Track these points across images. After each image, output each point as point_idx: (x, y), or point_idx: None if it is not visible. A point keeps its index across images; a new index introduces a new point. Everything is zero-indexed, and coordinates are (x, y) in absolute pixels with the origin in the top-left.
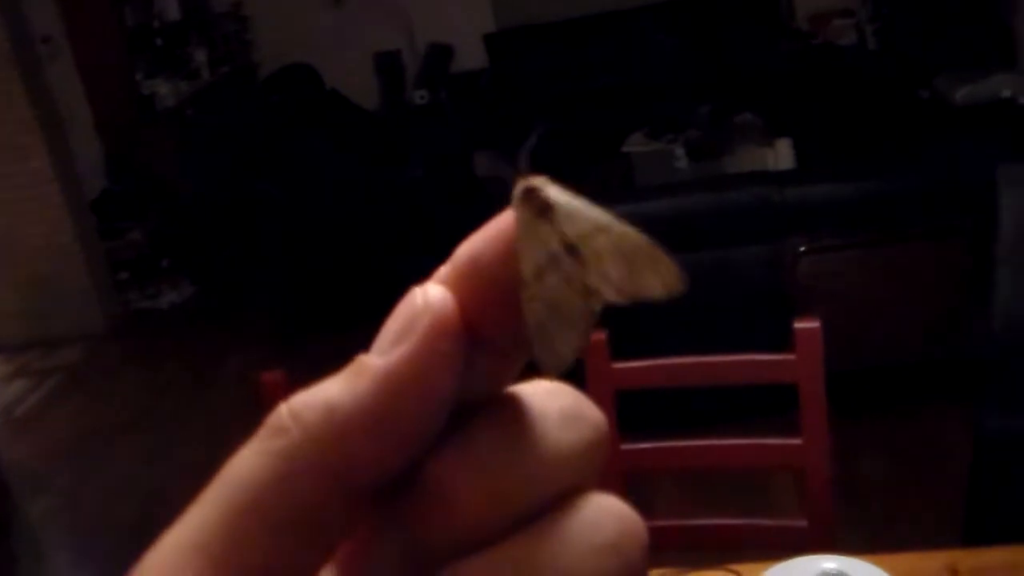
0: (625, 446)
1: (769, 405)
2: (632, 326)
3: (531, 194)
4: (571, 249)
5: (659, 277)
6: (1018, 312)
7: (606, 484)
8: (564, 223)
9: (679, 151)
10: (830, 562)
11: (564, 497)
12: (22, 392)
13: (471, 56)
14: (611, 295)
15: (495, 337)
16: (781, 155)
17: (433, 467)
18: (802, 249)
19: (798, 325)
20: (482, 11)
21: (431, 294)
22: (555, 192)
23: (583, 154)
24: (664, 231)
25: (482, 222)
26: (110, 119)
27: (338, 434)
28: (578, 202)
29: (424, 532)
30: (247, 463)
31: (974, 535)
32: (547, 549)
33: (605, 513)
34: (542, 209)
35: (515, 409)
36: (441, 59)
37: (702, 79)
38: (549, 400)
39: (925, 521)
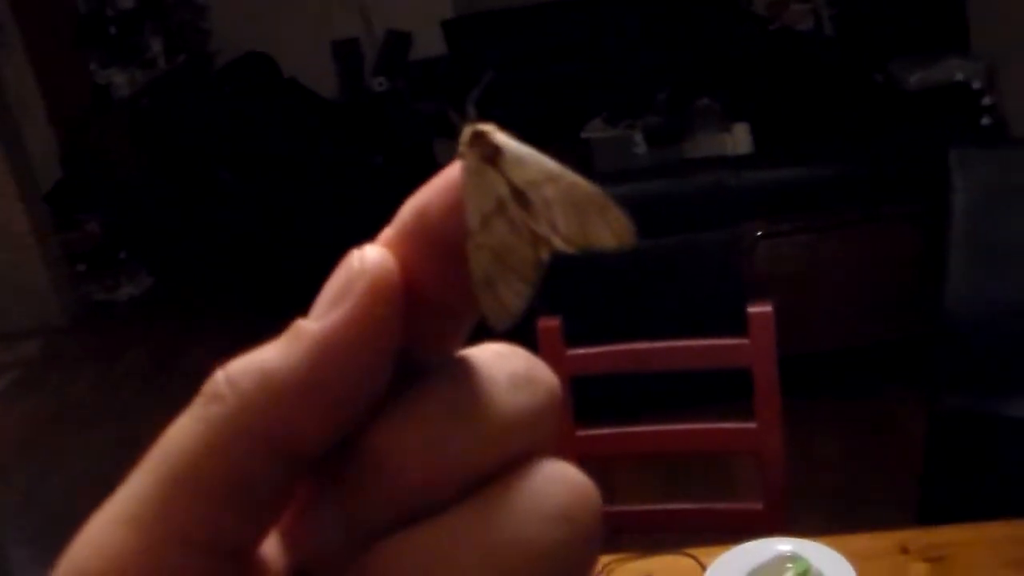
0: (580, 432)
1: (727, 389)
2: (588, 311)
3: (479, 139)
4: (519, 196)
5: (609, 227)
6: (970, 293)
7: None
8: (512, 169)
9: (637, 137)
10: (785, 544)
11: (513, 464)
12: None
13: (429, 43)
14: (559, 244)
15: (442, 296)
16: (739, 140)
17: (373, 434)
18: (759, 233)
19: (751, 310)
20: None
21: (368, 256)
22: (504, 138)
23: (541, 140)
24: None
25: None
26: (64, 109)
27: (273, 401)
28: (527, 149)
29: (365, 502)
30: (182, 431)
31: (928, 514)
32: (494, 518)
33: (556, 480)
34: (490, 154)
35: (462, 372)
36: (399, 46)
37: (661, 64)
38: (499, 363)
39: (880, 501)
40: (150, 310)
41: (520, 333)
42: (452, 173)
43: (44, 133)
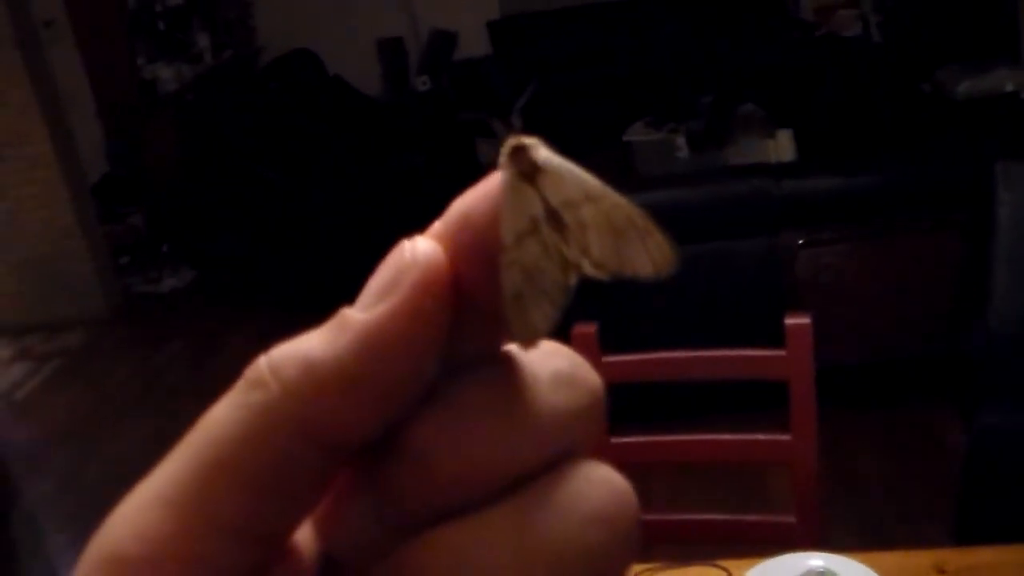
0: (615, 439)
1: (762, 399)
2: (624, 317)
3: (518, 153)
4: (553, 216)
5: (648, 255)
6: (1014, 308)
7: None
8: (549, 188)
9: (680, 141)
10: (817, 559)
11: (553, 464)
12: (22, 376)
13: (474, 43)
14: (590, 269)
15: (486, 297)
16: (782, 146)
17: (414, 427)
18: (800, 242)
19: (789, 321)
20: None
21: (420, 248)
22: (545, 154)
23: (583, 141)
24: (663, 222)
25: None
26: (111, 103)
27: (317, 391)
28: (570, 167)
29: (402, 495)
30: (223, 416)
31: (965, 533)
32: (531, 518)
33: (596, 482)
34: (528, 170)
35: (505, 370)
36: (444, 46)
37: (705, 69)
38: (543, 361)
39: (917, 518)
40: (191, 303)
41: (555, 339)
42: (490, 184)
43: (92, 127)
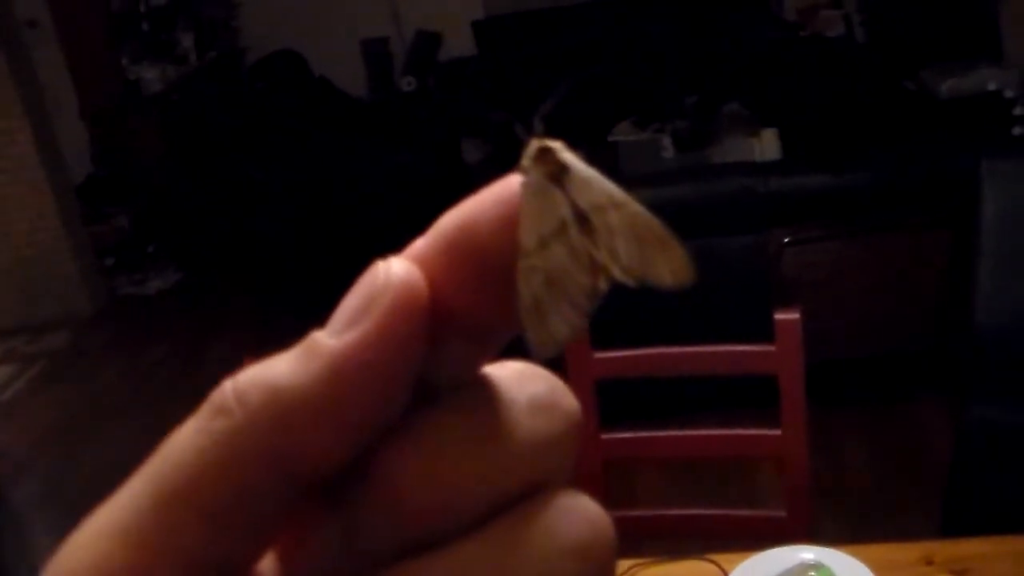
0: (605, 435)
1: (752, 394)
2: (614, 314)
3: (546, 155)
4: (582, 219)
5: (668, 263)
6: (999, 304)
7: (585, 473)
8: (578, 190)
9: (666, 141)
10: (808, 553)
11: (529, 494)
12: (8, 377)
13: (459, 43)
14: (619, 274)
15: (473, 316)
16: (767, 145)
17: (382, 456)
18: (786, 240)
19: (778, 316)
20: None
21: (394, 270)
22: (572, 157)
23: (568, 142)
24: None
25: None
26: (96, 104)
27: (282, 419)
28: (594, 172)
29: (369, 527)
30: (185, 442)
31: (953, 525)
32: (505, 551)
33: (573, 513)
34: (556, 173)
35: (480, 394)
36: (429, 46)
37: (689, 69)
38: (520, 385)
39: (905, 512)
40: (177, 304)
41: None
42: (506, 188)
43: (76, 127)
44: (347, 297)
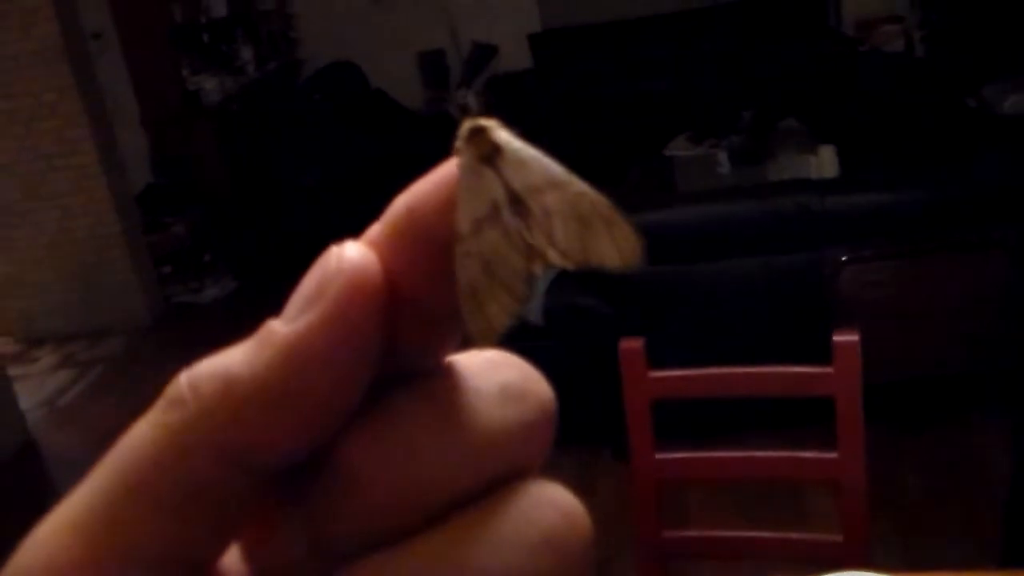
0: (659, 455)
1: (805, 414)
2: (669, 332)
3: (478, 135)
4: (516, 202)
5: (615, 244)
6: None
7: (640, 493)
8: (512, 171)
9: (722, 156)
10: None
11: (498, 485)
12: (66, 382)
13: (515, 56)
14: (555, 257)
15: (429, 301)
16: (825, 162)
17: (344, 447)
18: (844, 259)
19: (837, 338)
20: (527, 11)
21: (346, 254)
22: (506, 136)
23: (624, 156)
24: (705, 237)
25: None
26: (156, 114)
27: (236, 410)
28: (532, 151)
29: (331, 520)
30: (140, 436)
31: (1012, 556)
32: (472, 544)
33: (544, 504)
34: (489, 153)
35: (447, 381)
36: (485, 59)
37: (746, 84)
38: (489, 372)
39: (964, 539)
40: (233, 313)
41: (597, 354)
42: (446, 169)
43: (136, 137)
44: (301, 283)
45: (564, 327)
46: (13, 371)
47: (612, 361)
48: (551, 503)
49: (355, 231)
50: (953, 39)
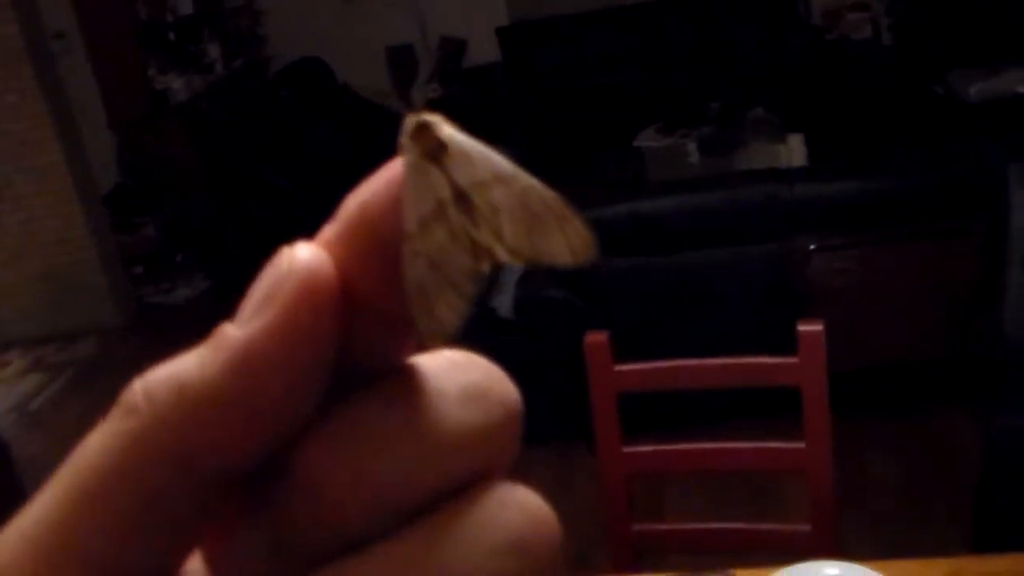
0: (627, 448)
1: (775, 403)
2: (636, 324)
3: (422, 131)
4: (462, 199)
5: (565, 239)
6: None
7: (608, 486)
8: (457, 168)
9: (691, 146)
10: (832, 568)
11: (462, 488)
12: (37, 386)
13: (484, 50)
14: (504, 255)
15: (384, 302)
16: (794, 151)
17: (302, 452)
18: (812, 247)
19: (801, 328)
20: (495, 4)
21: (298, 255)
22: (451, 132)
23: (594, 147)
24: (675, 227)
25: None
26: (123, 113)
27: (189, 416)
28: (478, 146)
29: (293, 526)
30: (94, 444)
31: (982, 540)
32: (436, 549)
33: (509, 506)
34: (433, 150)
35: (406, 383)
36: (454, 53)
37: (715, 74)
38: (451, 374)
39: (933, 525)
40: (205, 313)
41: (568, 348)
42: (395, 167)
43: (103, 137)
44: (254, 285)
45: (535, 320)
46: None
47: (583, 354)
48: (518, 506)
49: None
50: (920, 27)
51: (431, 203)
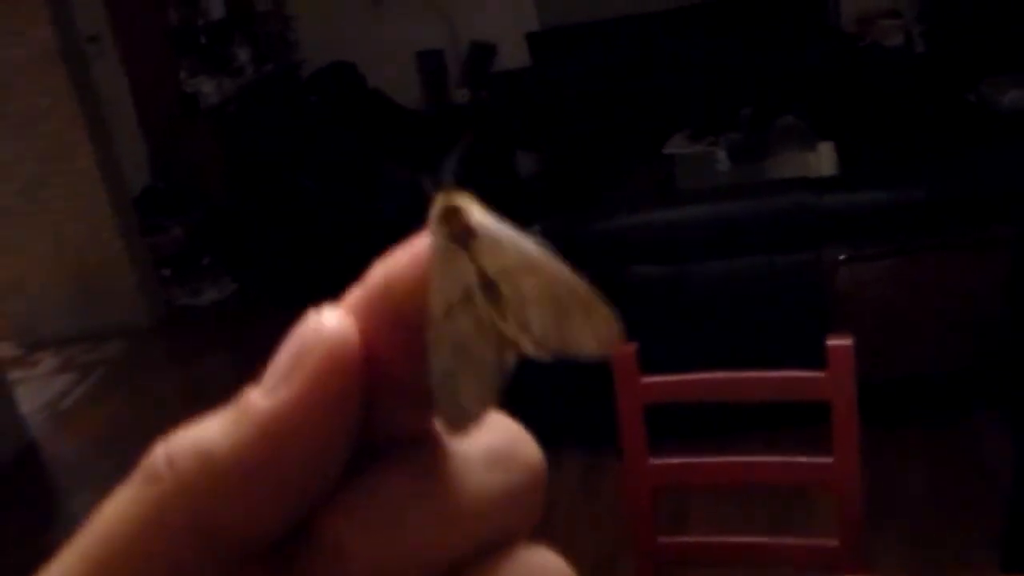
0: (654, 460)
1: (802, 415)
2: (664, 332)
3: (450, 215)
4: (489, 287)
5: (592, 330)
6: None
7: (634, 499)
8: (485, 255)
9: (720, 154)
10: None
11: (487, 553)
12: (67, 386)
13: (514, 55)
14: (530, 348)
15: (408, 376)
16: (824, 159)
17: (325, 520)
18: (842, 257)
19: (831, 342)
20: (526, 10)
21: (325, 323)
22: (480, 216)
23: (624, 153)
24: (704, 236)
25: (521, 221)
26: (154, 117)
27: (213, 485)
28: (508, 231)
29: None
30: (116, 511)
31: (1015, 558)
32: None
33: (535, 572)
34: (462, 235)
35: (430, 449)
36: (484, 58)
37: (745, 80)
38: (476, 437)
39: (963, 541)
40: (233, 315)
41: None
42: (419, 246)
43: (134, 140)
44: (280, 351)
45: None
46: (13, 375)
47: (604, 367)
48: (541, 571)
49: (353, 232)
50: (953, 34)
51: (458, 290)
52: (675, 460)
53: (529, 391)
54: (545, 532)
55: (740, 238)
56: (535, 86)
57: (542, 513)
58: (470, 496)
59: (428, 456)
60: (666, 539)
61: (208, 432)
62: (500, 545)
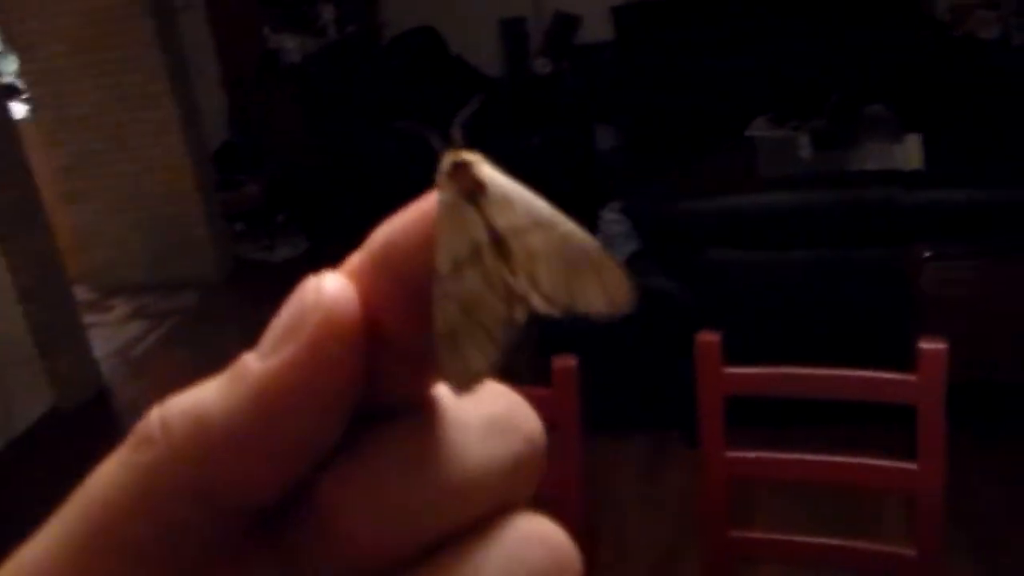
0: (731, 453)
1: (884, 414)
2: (746, 322)
3: (460, 171)
4: (499, 243)
5: (603, 289)
6: None
7: (709, 490)
8: (495, 210)
9: (803, 140)
10: None
11: (484, 521)
12: (139, 333)
13: (598, 28)
14: (539, 303)
15: (409, 338)
16: (910, 152)
17: (321, 488)
18: (927, 255)
19: (923, 345)
20: None
21: (325, 287)
22: (490, 172)
23: (705, 133)
24: (786, 224)
25: (598, 196)
26: (235, 72)
27: (207, 449)
28: (518, 189)
29: (309, 562)
30: (108, 476)
31: None
32: None
33: (532, 540)
34: (471, 190)
35: (429, 417)
36: (567, 28)
37: (832, 65)
38: (474, 405)
39: None
40: (303, 273)
41: (671, 337)
42: (426, 204)
43: (215, 94)
44: (278, 315)
45: (639, 307)
46: (88, 319)
47: (686, 346)
48: (539, 540)
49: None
50: None
51: (466, 245)
52: (753, 453)
53: (597, 375)
54: (607, 516)
55: (823, 228)
56: (618, 60)
57: (598, 495)
58: (468, 465)
59: (426, 424)
60: (737, 533)
61: (202, 396)
62: (499, 513)
